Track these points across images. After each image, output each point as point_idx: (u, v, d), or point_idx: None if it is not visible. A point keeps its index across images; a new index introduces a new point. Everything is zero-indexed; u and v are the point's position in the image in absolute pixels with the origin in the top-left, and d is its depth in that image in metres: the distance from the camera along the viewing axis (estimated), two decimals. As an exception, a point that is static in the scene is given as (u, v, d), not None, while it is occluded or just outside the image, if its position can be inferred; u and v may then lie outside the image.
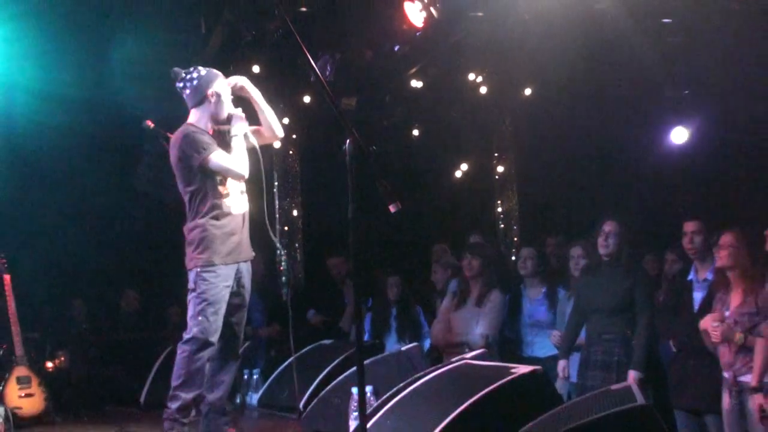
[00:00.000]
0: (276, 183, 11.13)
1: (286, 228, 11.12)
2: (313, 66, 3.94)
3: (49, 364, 7.65)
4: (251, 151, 5.24)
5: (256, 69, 8.60)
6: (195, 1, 7.90)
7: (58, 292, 9.16)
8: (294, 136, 10.98)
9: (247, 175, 5.14)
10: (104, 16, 8.01)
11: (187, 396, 4.88)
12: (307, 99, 9.49)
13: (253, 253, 5.23)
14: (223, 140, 5.17)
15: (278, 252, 9.82)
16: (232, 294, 5.07)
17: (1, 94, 8.20)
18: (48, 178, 9.51)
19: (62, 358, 7.76)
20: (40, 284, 8.47)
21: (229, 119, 5.18)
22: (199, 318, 4.90)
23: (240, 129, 5.19)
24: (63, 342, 8.08)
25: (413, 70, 9.10)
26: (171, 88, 5.15)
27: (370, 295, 7.92)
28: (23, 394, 6.45)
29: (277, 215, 11.04)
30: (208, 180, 5.04)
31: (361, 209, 3.32)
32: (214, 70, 5.21)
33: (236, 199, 5.12)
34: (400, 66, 8.95)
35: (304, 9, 7.80)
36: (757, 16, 6.66)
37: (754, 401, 4.44)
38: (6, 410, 6.07)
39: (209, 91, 5.09)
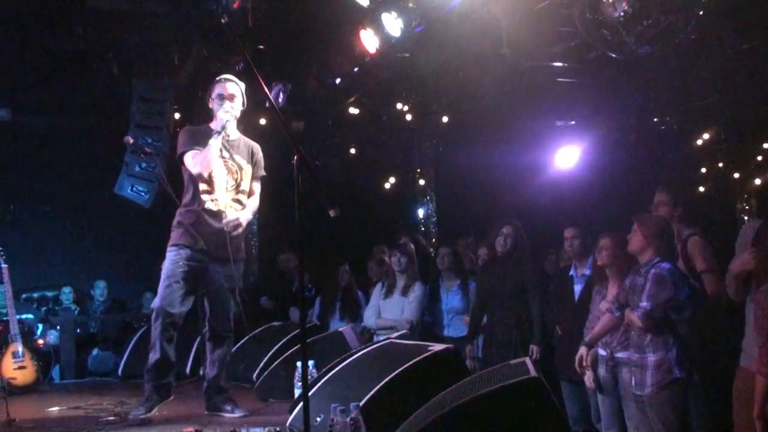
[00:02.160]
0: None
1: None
2: (267, 94, 3.94)
3: (40, 342, 7.55)
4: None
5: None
6: (168, 40, 7.80)
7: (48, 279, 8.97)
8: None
9: (197, 172, 4.78)
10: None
11: (149, 359, 4.80)
12: (263, 121, 9.44)
13: (231, 256, 4.82)
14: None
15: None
16: (206, 284, 4.88)
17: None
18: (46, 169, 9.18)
19: (47, 339, 7.64)
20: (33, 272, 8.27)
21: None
22: (158, 289, 4.80)
23: (217, 125, 4.85)
24: (52, 323, 7.95)
25: (351, 100, 9.14)
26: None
27: (317, 282, 7.93)
28: (17, 367, 6.35)
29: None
30: (189, 174, 4.89)
31: (307, 214, 3.32)
32: (224, 77, 4.99)
33: (219, 200, 4.86)
34: (341, 96, 8.97)
35: (262, 47, 7.78)
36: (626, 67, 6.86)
37: (581, 353, 4.58)
38: (2, 380, 6.00)
39: (212, 96, 4.96)
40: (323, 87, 8.29)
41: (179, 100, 8.70)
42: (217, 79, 5.02)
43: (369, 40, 6.71)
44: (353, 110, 9.52)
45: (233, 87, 4.96)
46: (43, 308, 8.71)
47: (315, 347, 5.55)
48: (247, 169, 5.04)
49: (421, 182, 11.72)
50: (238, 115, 5.01)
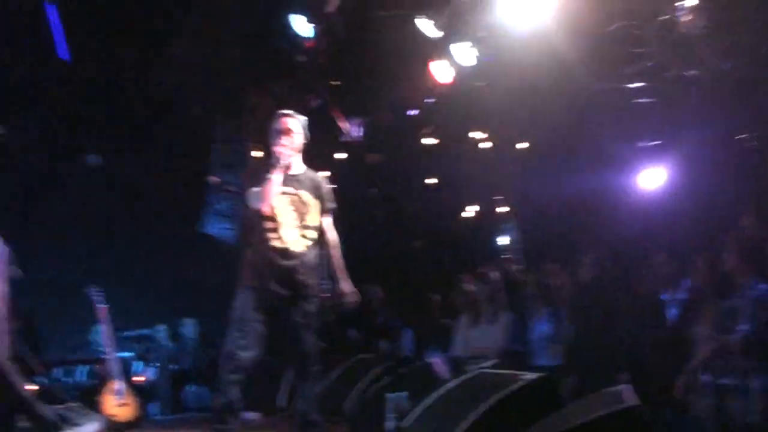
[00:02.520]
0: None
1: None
2: (344, 129, 3.98)
3: (138, 378, 7.76)
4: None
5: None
6: (246, 81, 8.01)
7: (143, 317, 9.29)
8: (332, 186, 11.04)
9: (256, 208, 4.67)
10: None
11: (214, 401, 4.72)
12: (341, 156, 9.58)
13: (306, 292, 4.72)
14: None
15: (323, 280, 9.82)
16: (281, 323, 4.73)
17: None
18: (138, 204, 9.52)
19: (146, 377, 7.90)
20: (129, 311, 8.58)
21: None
22: (228, 332, 4.70)
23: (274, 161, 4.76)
24: (149, 360, 8.22)
25: (428, 130, 9.21)
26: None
27: (403, 314, 7.94)
28: (118, 404, 6.56)
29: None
30: (253, 212, 4.77)
31: (389, 246, 3.38)
32: (281, 112, 4.91)
33: (285, 236, 4.72)
34: (417, 127, 9.05)
35: (336, 82, 7.93)
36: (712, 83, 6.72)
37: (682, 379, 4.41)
38: (104, 418, 6.16)
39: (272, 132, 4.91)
40: (399, 119, 8.40)
41: (258, 139, 8.95)
42: (276, 114, 4.98)
43: (441, 71, 6.75)
44: (430, 141, 9.58)
45: (290, 122, 4.90)
46: (140, 346, 8.98)
47: (406, 379, 5.54)
48: (313, 204, 4.91)
49: (503, 210, 11.64)
50: (298, 148, 4.90)
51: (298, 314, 4.80)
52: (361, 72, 7.83)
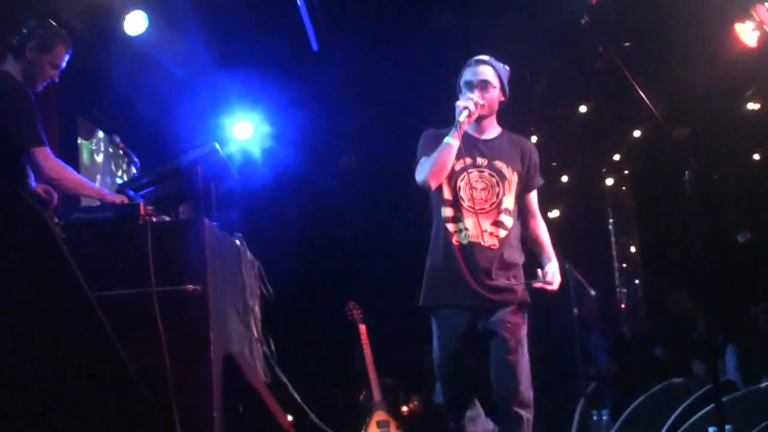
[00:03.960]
0: (611, 220, 10.90)
1: (624, 265, 10.80)
2: (644, 99, 3.78)
3: (404, 408, 7.58)
4: None
5: (583, 109, 8.52)
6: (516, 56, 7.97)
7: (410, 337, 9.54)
8: (626, 172, 10.70)
9: (422, 180, 4.02)
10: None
11: None
12: (637, 133, 9.22)
13: (511, 303, 3.98)
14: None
15: (617, 290, 9.57)
16: (481, 348, 4.06)
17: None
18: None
19: (415, 402, 8.08)
20: (393, 329, 8.83)
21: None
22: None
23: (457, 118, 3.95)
24: (416, 386, 8.43)
25: (748, 93, 8.58)
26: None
27: (728, 326, 7.46)
28: (383, 437, 6.24)
29: (614, 253, 10.77)
30: (430, 195, 4.14)
31: (703, 241, 3.13)
32: (474, 59, 4.23)
33: (471, 228, 4.01)
34: (733, 90, 8.45)
35: (627, 44, 7.65)
36: None
37: None
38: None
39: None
40: (709, 82, 7.92)
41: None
42: (469, 61, 4.20)
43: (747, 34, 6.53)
44: (752, 105, 8.88)
45: (486, 70, 4.12)
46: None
47: (731, 409, 5.20)
48: (512, 178, 4.09)
49: None
50: (494, 106, 4.16)
51: (499, 338, 3.99)
52: (658, 32, 7.52)
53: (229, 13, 6.84)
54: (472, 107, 3.99)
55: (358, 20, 7.59)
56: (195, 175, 3.80)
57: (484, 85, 4.11)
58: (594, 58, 7.45)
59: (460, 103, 4.01)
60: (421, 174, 4.03)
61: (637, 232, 10.45)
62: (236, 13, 6.89)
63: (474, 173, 4.08)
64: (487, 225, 4.04)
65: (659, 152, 8.81)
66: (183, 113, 7.10)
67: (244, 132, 7.85)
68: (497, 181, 4.09)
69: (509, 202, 4.11)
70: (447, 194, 4.08)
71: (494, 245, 4.02)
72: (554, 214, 9.23)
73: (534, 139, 8.09)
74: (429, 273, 4.14)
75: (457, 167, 4.05)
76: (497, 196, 4.07)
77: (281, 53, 7.45)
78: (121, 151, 4.25)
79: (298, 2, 6.70)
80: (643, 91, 4.88)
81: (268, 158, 8.02)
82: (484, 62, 4.15)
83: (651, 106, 3.87)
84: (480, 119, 4.14)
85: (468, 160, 4.07)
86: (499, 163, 4.13)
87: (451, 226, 4.05)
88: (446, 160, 3.97)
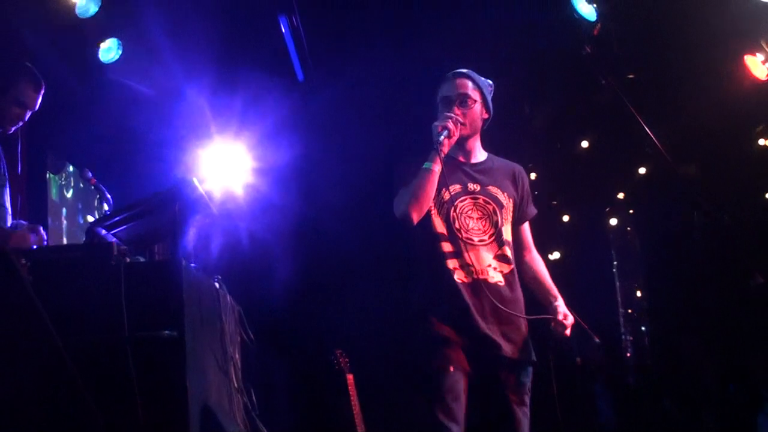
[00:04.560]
0: (615, 263, 10.91)
1: (629, 311, 10.78)
2: (649, 134, 3.80)
3: None
4: None
5: (584, 144, 8.57)
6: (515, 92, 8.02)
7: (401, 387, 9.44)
8: (631, 211, 10.72)
9: (401, 214, 3.77)
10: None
11: None
12: (642, 170, 9.27)
13: (512, 349, 3.73)
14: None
15: (623, 338, 9.55)
16: (484, 404, 3.80)
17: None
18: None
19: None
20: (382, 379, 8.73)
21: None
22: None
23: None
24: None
25: (759, 128, 8.64)
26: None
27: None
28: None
29: (619, 298, 10.77)
30: (413, 230, 3.87)
31: (719, 283, 3.14)
32: (453, 72, 4.01)
33: (475, 263, 3.76)
34: (743, 125, 8.51)
35: (631, 76, 7.73)
36: None
37: None
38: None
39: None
40: (718, 117, 7.98)
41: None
42: (447, 75, 3.96)
43: (757, 66, 6.61)
44: (763, 142, 8.93)
45: (465, 83, 3.90)
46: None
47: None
48: (509, 206, 3.90)
49: None
50: (476, 124, 3.95)
51: (504, 386, 3.75)
52: (662, 64, 7.59)
53: (209, 43, 6.86)
54: (451, 126, 3.74)
55: (344, 49, 7.61)
56: (171, 213, 3.72)
57: (463, 99, 3.86)
58: (596, 91, 7.49)
59: (437, 123, 3.75)
60: (399, 207, 3.74)
61: (642, 275, 10.44)
62: (217, 43, 6.91)
63: (467, 201, 3.85)
64: (489, 259, 3.78)
65: (666, 190, 8.83)
66: (160, 146, 7.06)
67: (224, 165, 7.77)
68: (494, 209, 3.86)
69: (508, 233, 3.88)
70: (440, 227, 3.79)
71: (500, 282, 3.77)
72: (555, 255, 9.20)
73: (533, 176, 8.11)
74: (427, 321, 3.78)
75: (446, 196, 3.78)
76: (496, 227, 3.83)
77: (265, 84, 7.47)
78: (92, 187, 4.18)
79: (284, 32, 6.73)
80: (647, 126, 4.93)
81: (250, 193, 7.96)
82: (462, 75, 3.91)
83: (656, 141, 3.80)
84: (462, 140, 3.88)
85: (458, 187, 3.84)
86: (493, 189, 3.90)
87: (451, 263, 3.75)
88: (427, 188, 3.69)
